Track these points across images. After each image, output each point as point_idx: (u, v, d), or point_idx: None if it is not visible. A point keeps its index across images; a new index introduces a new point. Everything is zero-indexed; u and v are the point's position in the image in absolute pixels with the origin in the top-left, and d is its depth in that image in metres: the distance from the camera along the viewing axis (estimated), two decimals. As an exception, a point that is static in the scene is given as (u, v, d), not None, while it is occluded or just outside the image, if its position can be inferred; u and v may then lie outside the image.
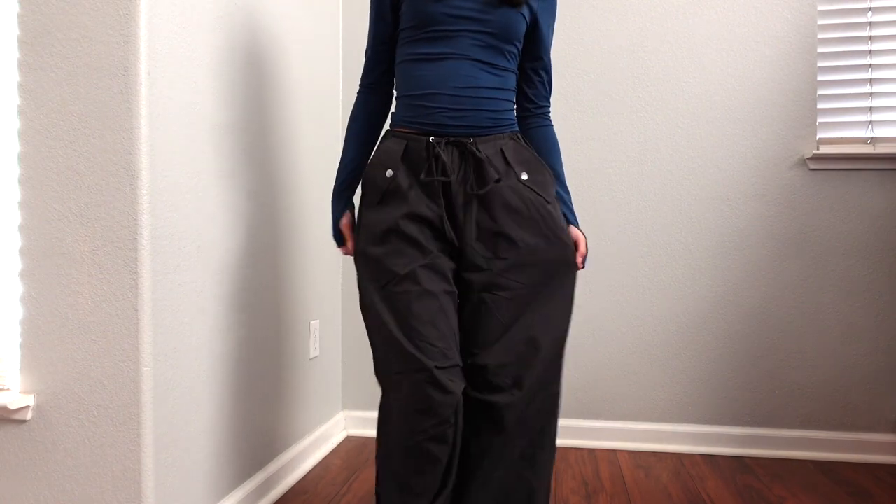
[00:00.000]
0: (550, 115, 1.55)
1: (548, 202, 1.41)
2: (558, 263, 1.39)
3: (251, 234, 1.75)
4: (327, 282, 2.34)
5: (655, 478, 2.04)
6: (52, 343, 1.33)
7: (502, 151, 1.38)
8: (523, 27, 1.41)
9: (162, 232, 1.36)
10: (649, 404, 2.33)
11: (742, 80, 2.27)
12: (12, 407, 1.30)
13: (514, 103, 1.45)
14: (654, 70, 2.32)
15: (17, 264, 1.35)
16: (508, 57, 1.40)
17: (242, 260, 1.70)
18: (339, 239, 1.49)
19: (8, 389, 1.35)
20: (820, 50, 2.24)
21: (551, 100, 1.57)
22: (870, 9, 2.21)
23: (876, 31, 2.22)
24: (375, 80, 1.49)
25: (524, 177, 1.39)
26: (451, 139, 1.36)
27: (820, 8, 2.24)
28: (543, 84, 1.53)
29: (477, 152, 1.35)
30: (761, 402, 2.27)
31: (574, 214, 1.51)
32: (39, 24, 1.32)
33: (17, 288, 1.35)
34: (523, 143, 1.44)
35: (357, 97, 1.51)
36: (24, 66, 1.33)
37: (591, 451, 2.30)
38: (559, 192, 1.49)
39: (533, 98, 1.52)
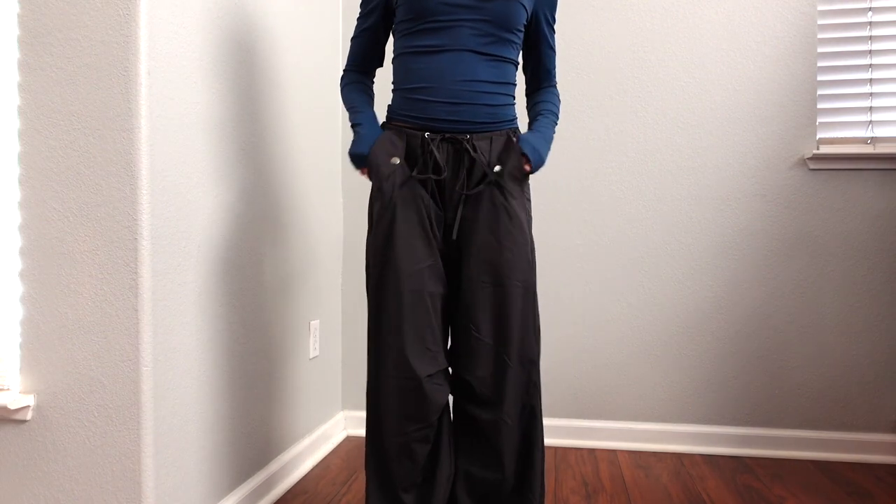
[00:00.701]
0: (556, 88, 1.58)
1: (514, 197, 1.39)
2: (520, 265, 1.39)
3: (251, 233, 1.75)
4: (327, 282, 2.34)
5: (655, 478, 2.04)
6: (52, 343, 1.33)
7: (490, 144, 1.38)
8: (522, 14, 1.40)
9: (162, 232, 1.36)
10: (649, 404, 2.33)
11: (742, 80, 2.27)
12: (12, 407, 1.30)
13: (514, 97, 1.44)
14: (654, 70, 2.32)
15: (17, 264, 1.35)
16: (508, 46, 1.39)
17: (242, 260, 1.70)
18: (361, 161, 1.41)
19: (8, 389, 1.35)
20: (820, 50, 2.24)
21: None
22: (870, 9, 2.21)
23: (876, 31, 2.22)
24: (363, 67, 1.52)
25: (496, 169, 1.37)
26: (447, 135, 1.35)
27: (820, 8, 2.24)
28: (548, 71, 1.54)
29: (471, 151, 1.35)
30: (761, 402, 2.27)
31: (544, 141, 1.46)
32: (39, 24, 1.32)
33: (17, 288, 1.35)
34: (515, 139, 1.43)
35: (345, 75, 1.53)
36: (24, 66, 1.33)
37: (591, 451, 2.30)
38: (539, 122, 1.49)
39: (536, 81, 1.56)
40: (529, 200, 1.45)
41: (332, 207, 2.38)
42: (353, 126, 1.46)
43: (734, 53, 2.28)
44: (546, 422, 2.36)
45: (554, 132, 1.50)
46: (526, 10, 1.40)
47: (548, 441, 2.36)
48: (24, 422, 1.34)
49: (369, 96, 1.51)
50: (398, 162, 1.35)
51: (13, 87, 1.34)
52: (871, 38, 2.22)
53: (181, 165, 1.43)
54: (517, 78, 1.47)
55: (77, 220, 1.32)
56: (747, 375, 2.27)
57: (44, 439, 1.34)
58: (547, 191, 2.37)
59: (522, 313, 1.38)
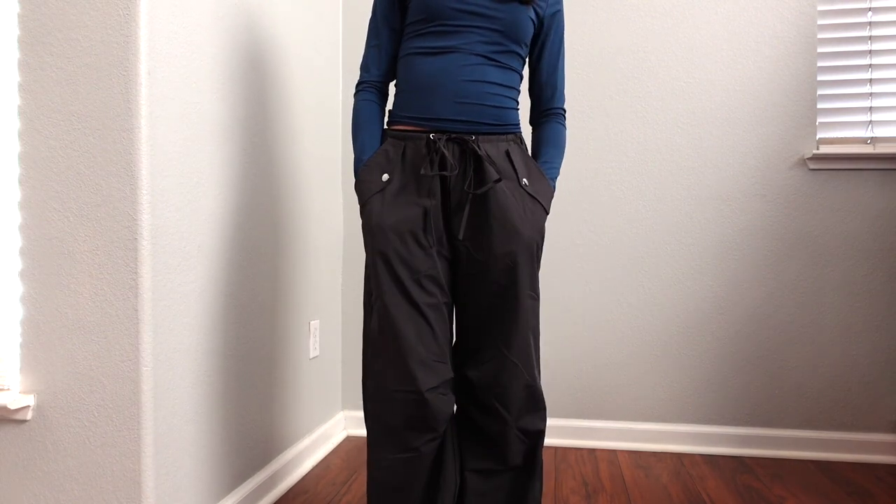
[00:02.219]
0: (562, 116, 1.52)
1: (545, 211, 1.40)
2: (527, 271, 1.37)
3: (251, 233, 1.75)
4: (327, 282, 2.34)
5: (655, 478, 2.04)
6: (52, 343, 1.33)
7: (507, 154, 1.37)
8: (530, 29, 1.39)
9: (162, 232, 1.36)
10: (649, 404, 2.33)
11: (742, 80, 2.27)
12: (12, 407, 1.30)
13: (517, 103, 1.44)
14: (654, 70, 2.32)
15: (17, 264, 1.35)
16: (515, 57, 1.39)
17: (243, 260, 1.70)
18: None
19: (8, 389, 1.35)
20: (820, 50, 2.24)
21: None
22: (870, 9, 2.21)
23: (876, 31, 2.22)
24: (382, 79, 1.46)
25: (525, 182, 1.37)
26: (453, 136, 1.33)
27: (820, 8, 2.24)
28: (554, 92, 1.50)
29: (478, 150, 1.33)
30: (761, 402, 2.27)
31: (556, 171, 1.48)
32: (39, 24, 1.32)
33: (17, 288, 1.35)
34: (525, 147, 1.43)
35: (361, 95, 1.45)
36: (24, 66, 1.33)
37: (591, 451, 2.30)
38: (549, 161, 1.48)
39: (541, 103, 1.51)
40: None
41: (332, 208, 2.38)
42: (358, 156, 1.41)
43: (734, 54, 2.28)
44: (546, 422, 2.36)
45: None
46: (534, 25, 1.41)
47: (548, 441, 2.36)
48: (24, 422, 1.34)
49: (382, 128, 1.44)
50: (387, 178, 1.34)
51: (13, 87, 1.34)
52: (871, 38, 2.22)
53: (181, 165, 1.43)
54: (521, 85, 1.46)
55: (77, 220, 1.32)
56: (747, 375, 2.27)
57: (44, 439, 1.34)
58: (547, 191, 2.37)
59: (532, 319, 1.39)
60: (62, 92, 1.31)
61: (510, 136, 1.39)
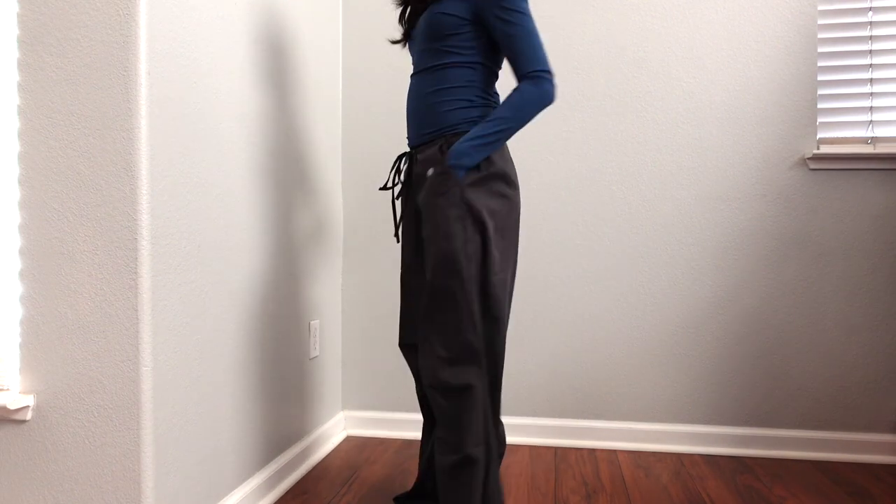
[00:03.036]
0: (530, 79, 1.43)
1: (449, 189, 1.41)
2: (444, 258, 1.43)
3: (251, 234, 1.75)
4: (327, 282, 2.34)
5: (655, 478, 2.04)
6: (52, 343, 1.33)
7: (440, 151, 1.47)
8: (449, 21, 1.44)
9: (162, 232, 1.36)
10: (649, 404, 2.33)
11: (742, 80, 2.27)
12: (12, 407, 1.30)
13: (466, 99, 1.47)
14: (654, 70, 2.32)
15: (17, 264, 1.35)
16: (444, 54, 1.46)
17: (243, 260, 1.70)
18: None
19: (8, 389, 1.35)
20: (820, 50, 2.24)
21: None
22: (870, 9, 2.21)
23: (876, 31, 2.22)
24: None
25: (429, 173, 1.47)
26: (411, 151, 1.57)
27: (820, 8, 2.24)
28: (515, 60, 1.44)
29: (415, 164, 1.54)
30: (761, 402, 2.27)
31: (469, 139, 1.42)
32: (39, 24, 1.32)
33: (17, 288, 1.35)
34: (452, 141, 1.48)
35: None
36: (24, 66, 1.33)
37: (591, 451, 2.30)
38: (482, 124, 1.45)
39: (515, 73, 1.47)
40: (492, 194, 1.42)
41: (332, 207, 2.38)
42: None
43: (734, 53, 2.28)
44: (546, 422, 2.36)
45: (493, 129, 1.41)
46: (456, 17, 1.44)
47: (548, 441, 2.36)
48: (24, 422, 1.34)
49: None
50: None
51: (13, 87, 1.34)
52: (871, 38, 2.22)
53: (181, 165, 1.43)
54: (481, 73, 1.49)
55: (77, 220, 1.32)
56: (747, 375, 2.27)
57: (44, 439, 1.34)
58: (547, 190, 2.37)
59: (441, 310, 1.43)
60: (62, 92, 1.31)
61: (445, 138, 1.47)
